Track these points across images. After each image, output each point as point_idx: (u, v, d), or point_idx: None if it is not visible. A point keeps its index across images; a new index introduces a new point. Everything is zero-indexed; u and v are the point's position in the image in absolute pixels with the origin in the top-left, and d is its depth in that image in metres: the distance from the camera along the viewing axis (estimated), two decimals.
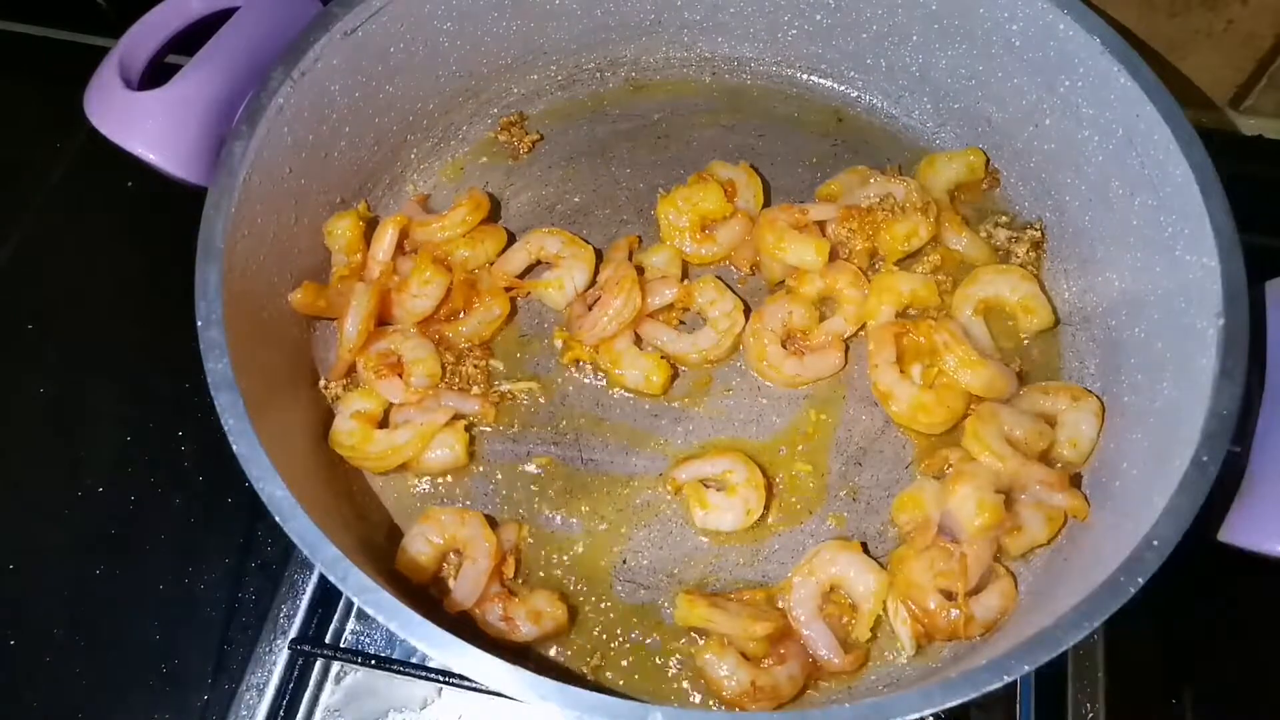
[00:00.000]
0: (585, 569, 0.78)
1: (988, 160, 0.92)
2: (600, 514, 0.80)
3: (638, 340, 0.85)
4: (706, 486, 0.80)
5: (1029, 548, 0.76)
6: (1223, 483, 0.64)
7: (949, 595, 0.73)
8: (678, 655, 0.75)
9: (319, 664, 0.84)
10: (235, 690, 0.81)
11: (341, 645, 0.84)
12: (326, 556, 0.62)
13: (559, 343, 0.87)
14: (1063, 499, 0.75)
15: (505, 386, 0.85)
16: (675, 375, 0.85)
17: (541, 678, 0.58)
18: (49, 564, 0.89)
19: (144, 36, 0.82)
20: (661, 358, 0.84)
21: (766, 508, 0.79)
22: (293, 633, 0.83)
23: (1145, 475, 0.71)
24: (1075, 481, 0.78)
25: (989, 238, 0.90)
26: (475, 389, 0.84)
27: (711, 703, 0.73)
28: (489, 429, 0.84)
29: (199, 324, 0.68)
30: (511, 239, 0.91)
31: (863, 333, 0.86)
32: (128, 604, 0.87)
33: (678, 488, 0.80)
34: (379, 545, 0.79)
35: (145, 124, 0.76)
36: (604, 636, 0.76)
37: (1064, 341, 0.86)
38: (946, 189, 0.92)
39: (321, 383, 0.83)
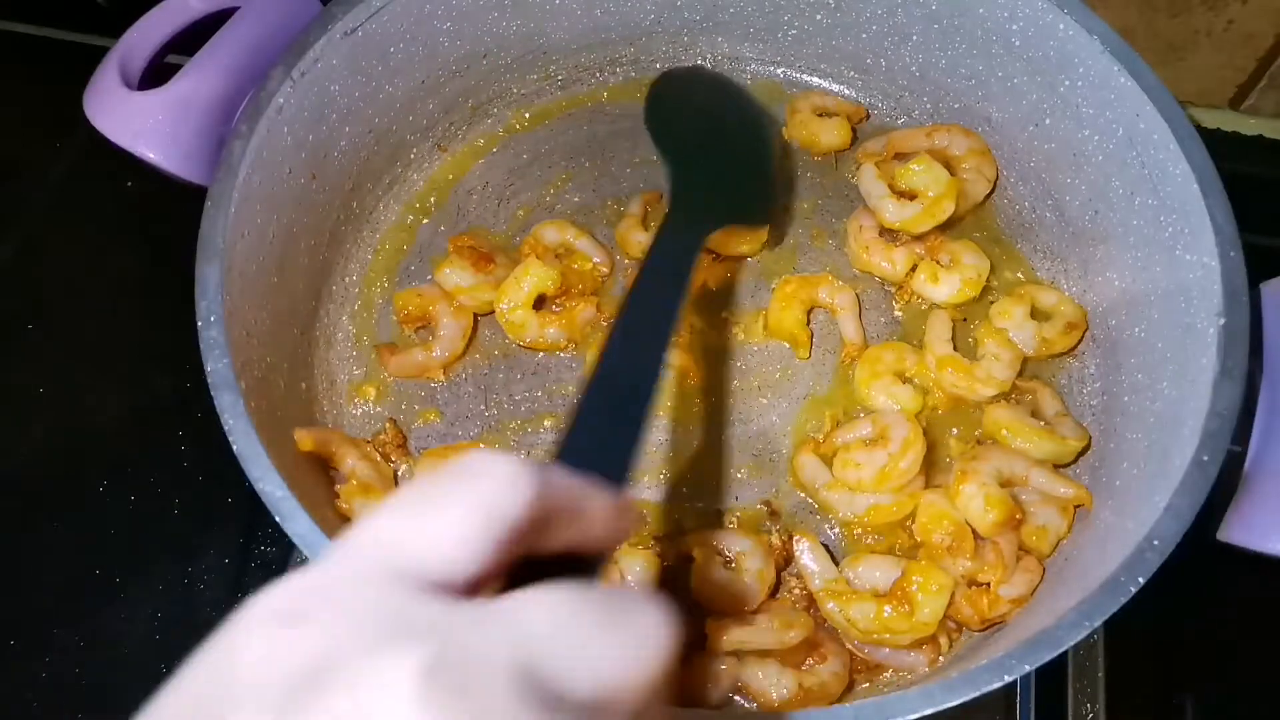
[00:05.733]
0: None
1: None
2: None
3: None
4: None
5: (1056, 542, 0.75)
6: (1223, 483, 0.64)
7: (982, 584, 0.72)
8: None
9: None
10: None
11: None
12: None
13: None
14: (1067, 489, 0.75)
15: None
16: None
17: None
18: (49, 564, 0.88)
19: (144, 36, 0.82)
20: None
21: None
22: None
23: (1145, 475, 0.71)
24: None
25: None
26: None
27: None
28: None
29: (199, 324, 0.68)
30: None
31: None
32: (128, 604, 0.86)
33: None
34: None
35: (145, 124, 0.76)
36: None
37: None
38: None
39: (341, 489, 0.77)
